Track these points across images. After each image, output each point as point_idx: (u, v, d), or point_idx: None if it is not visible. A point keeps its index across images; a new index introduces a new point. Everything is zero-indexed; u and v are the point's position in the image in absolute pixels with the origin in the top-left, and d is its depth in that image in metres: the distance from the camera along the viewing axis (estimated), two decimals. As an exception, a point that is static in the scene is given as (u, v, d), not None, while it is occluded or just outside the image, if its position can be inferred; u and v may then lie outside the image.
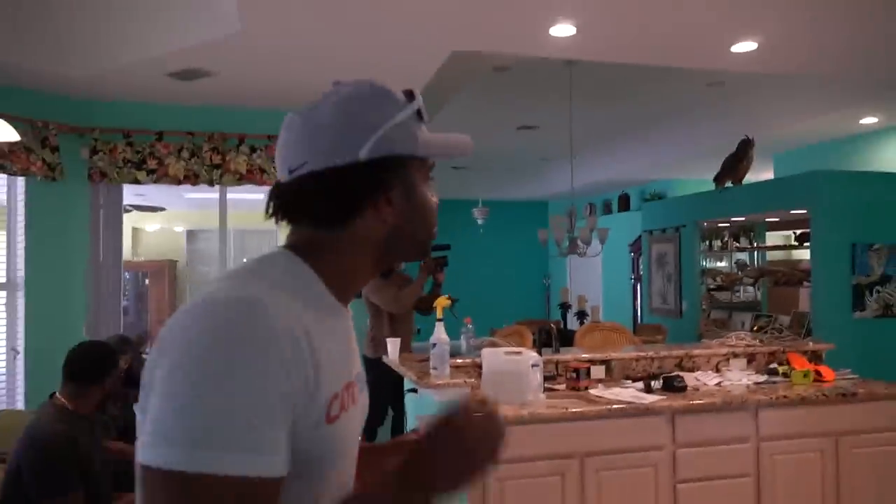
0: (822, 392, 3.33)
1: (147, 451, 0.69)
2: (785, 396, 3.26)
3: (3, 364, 4.19)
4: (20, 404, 4.14)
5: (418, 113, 0.91)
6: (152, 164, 4.43)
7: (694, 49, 3.74)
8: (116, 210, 4.53)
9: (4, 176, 4.12)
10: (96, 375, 2.43)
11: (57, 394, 2.43)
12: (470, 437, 0.84)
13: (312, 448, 0.78)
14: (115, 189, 4.50)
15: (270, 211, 0.88)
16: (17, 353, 4.18)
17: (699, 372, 3.68)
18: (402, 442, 1.16)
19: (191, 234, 10.81)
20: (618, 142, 7.33)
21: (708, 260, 7.74)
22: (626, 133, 6.95)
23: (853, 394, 3.34)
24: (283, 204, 0.87)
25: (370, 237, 0.88)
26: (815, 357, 3.87)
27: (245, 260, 0.89)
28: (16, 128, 3.34)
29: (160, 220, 9.97)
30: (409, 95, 0.91)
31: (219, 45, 3.49)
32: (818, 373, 3.60)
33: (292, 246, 0.88)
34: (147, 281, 9.98)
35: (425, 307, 4.06)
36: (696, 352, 3.80)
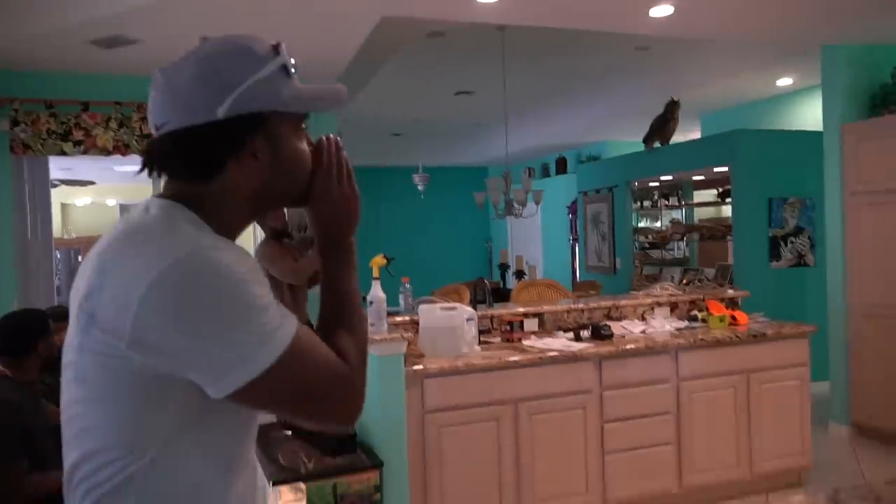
0: (736, 334, 3.60)
1: (237, 376, 0.84)
2: (702, 339, 3.51)
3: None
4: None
5: (283, 67, 0.93)
6: (79, 135, 4.33)
7: (615, 13, 3.87)
8: (43, 184, 4.42)
9: (-79, 150, 3.98)
10: (27, 344, 2.45)
11: None
12: (335, 192, 1.01)
13: None
14: (40, 162, 4.38)
15: (143, 165, 0.94)
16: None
17: (626, 321, 3.90)
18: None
19: (124, 209, 10.54)
20: (552, 105, 7.48)
21: (643, 220, 8.05)
22: (560, 96, 7.10)
23: (763, 334, 3.62)
24: (153, 160, 0.92)
25: (239, 190, 0.93)
26: (732, 304, 4.15)
27: (144, 207, 0.93)
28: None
29: (91, 194, 9.66)
30: (275, 50, 0.93)
31: (142, 11, 3.43)
32: (733, 318, 3.87)
33: (175, 197, 0.93)
34: (80, 258, 9.71)
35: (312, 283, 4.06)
36: (623, 302, 4.03)
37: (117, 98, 4.42)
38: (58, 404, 2.63)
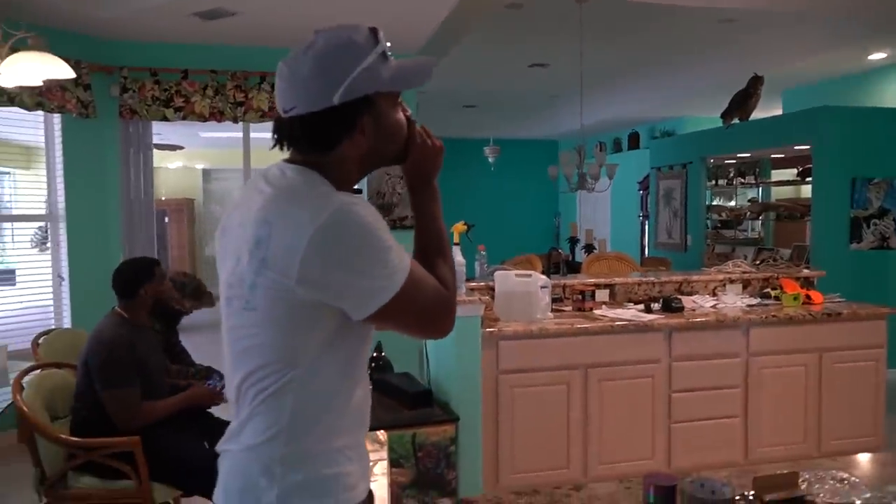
0: (809, 313, 3.60)
1: (373, 303, 1.07)
2: (774, 316, 3.53)
3: (51, 289, 4.53)
4: (67, 324, 4.49)
5: (383, 54, 1.12)
6: (179, 101, 4.64)
7: (701, -14, 3.85)
8: (147, 147, 4.77)
9: (42, 113, 4.35)
10: (134, 288, 2.73)
11: (116, 307, 2.73)
12: (431, 152, 1.26)
13: None
14: (145, 126, 4.72)
15: (275, 141, 1.16)
16: (63, 279, 4.51)
17: (697, 296, 3.94)
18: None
19: (206, 174, 11.04)
20: (628, 80, 7.40)
21: (717, 198, 7.92)
22: (637, 71, 7.02)
23: (838, 314, 3.61)
24: (283, 137, 1.15)
25: (352, 157, 1.14)
26: (807, 284, 4.12)
27: (279, 169, 1.14)
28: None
29: (181, 158, 10.17)
30: (374, 38, 1.12)
31: (243, -15, 3.65)
32: (808, 297, 3.86)
33: (303, 162, 1.14)
34: (167, 219, 10.27)
35: None
36: (695, 277, 4.06)
37: (213, 67, 4.69)
38: (168, 349, 2.93)
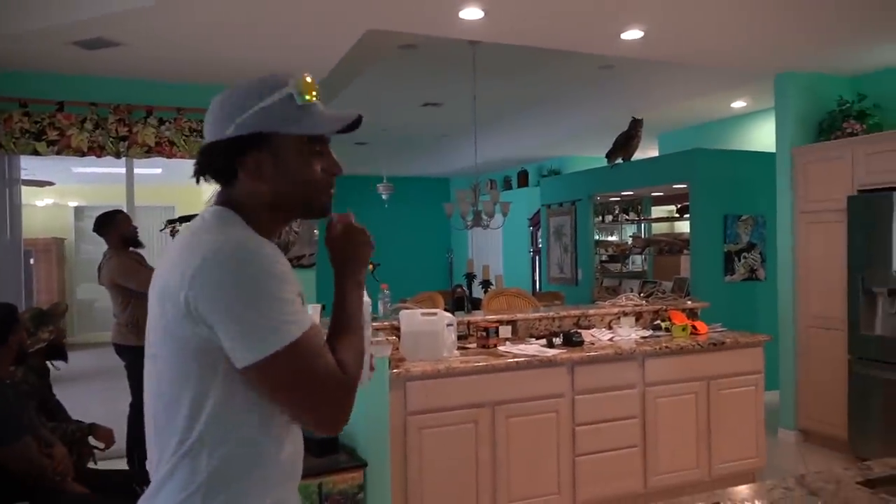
0: (697, 343, 3.81)
1: (250, 353, 1.00)
2: (667, 347, 3.71)
3: None
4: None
5: (290, 97, 1.12)
6: (53, 134, 4.29)
7: (590, 35, 4.07)
8: (14, 183, 4.37)
9: None
10: (7, 331, 2.47)
11: None
12: (349, 235, 1.24)
13: None
14: (11, 160, 4.33)
15: (195, 173, 1.18)
16: None
17: (594, 329, 4.07)
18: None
19: (79, 211, 10.30)
20: (517, 119, 7.69)
21: (601, 233, 8.31)
22: (526, 111, 7.32)
23: (721, 343, 3.85)
24: (198, 165, 1.18)
25: (255, 194, 1.13)
26: (692, 314, 4.38)
27: (201, 215, 1.16)
28: None
29: (52, 195, 9.44)
30: (283, 83, 1.13)
31: (130, 16, 3.46)
32: (694, 327, 4.09)
33: (222, 202, 1.15)
34: (32, 260, 9.45)
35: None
36: (592, 311, 4.20)
37: (94, 99, 4.39)
38: (41, 406, 2.66)
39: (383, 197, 9.67)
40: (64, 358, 3.25)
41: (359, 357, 1.14)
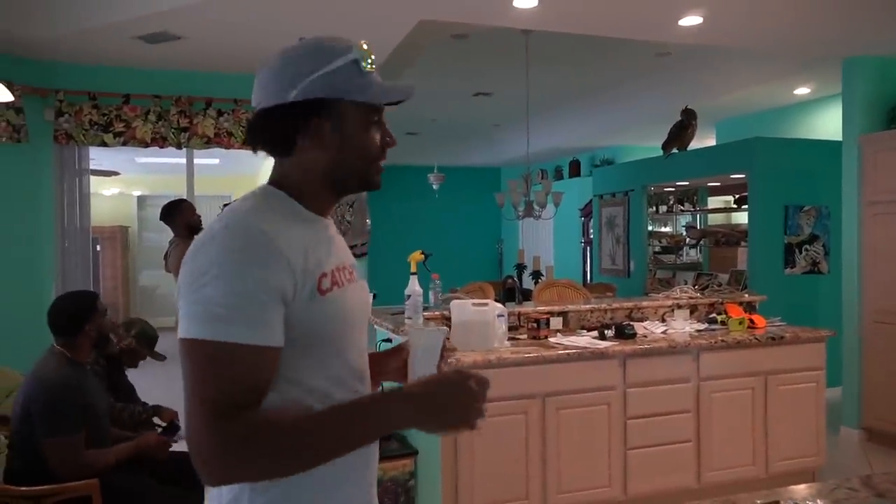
0: (755, 337, 3.71)
1: (183, 327, 0.95)
2: (723, 341, 3.62)
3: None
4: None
5: (355, 62, 1.08)
6: (119, 126, 4.46)
7: (646, 22, 3.99)
8: (84, 173, 4.56)
9: (-32, 138, 4.11)
10: (77, 326, 2.56)
11: (55, 345, 2.56)
12: (467, 394, 0.99)
13: (315, 319, 1.03)
14: (81, 151, 4.52)
15: (245, 141, 1.21)
16: (-13, 313, 4.22)
17: (647, 322, 4.01)
18: (396, 348, 1.37)
19: (141, 200, 10.66)
20: (570, 109, 7.59)
21: (655, 224, 8.15)
22: (579, 100, 7.21)
23: (781, 337, 3.73)
24: (249, 135, 1.12)
25: (312, 163, 1.09)
26: (749, 308, 4.26)
27: (247, 195, 1.12)
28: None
29: (118, 184, 9.82)
30: (348, 48, 1.09)
31: (189, 10, 3.56)
32: (752, 321, 3.98)
33: (271, 181, 1.13)
34: (98, 247, 9.85)
35: None
36: (645, 304, 4.14)
37: (157, 92, 4.54)
38: (112, 387, 2.76)
39: (434, 187, 9.69)
40: (160, 357, 3.35)
41: (285, 456, 0.93)
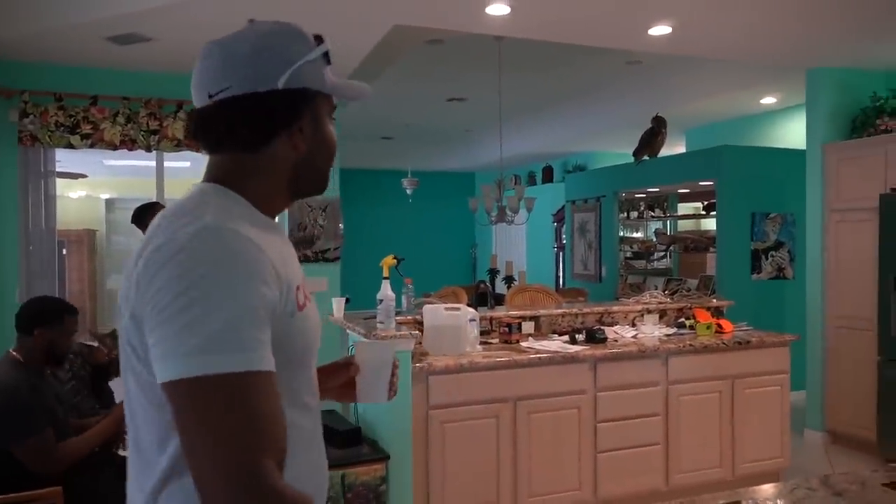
0: (722, 341, 3.78)
1: (167, 368, 0.79)
2: (691, 345, 3.68)
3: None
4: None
5: (325, 55, 1.01)
6: (87, 128, 4.39)
7: (617, 31, 4.05)
8: (49, 175, 4.48)
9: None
10: (28, 327, 2.51)
11: (11, 349, 2.52)
12: None
13: (292, 334, 0.92)
14: (47, 153, 4.43)
15: (194, 133, 0.98)
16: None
17: (617, 326, 4.06)
18: (339, 364, 1.27)
19: (109, 203, 10.49)
20: (542, 115, 7.66)
21: (626, 229, 8.26)
22: (551, 106, 7.28)
23: (747, 342, 3.81)
24: (206, 126, 0.96)
25: (283, 161, 0.97)
26: (717, 313, 4.34)
27: (186, 195, 0.96)
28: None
29: (85, 187, 9.64)
30: (319, 39, 1.01)
31: (160, 11, 3.52)
32: (719, 325, 4.05)
33: (213, 179, 0.97)
34: (65, 251, 9.65)
35: None
36: (615, 308, 4.19)
37: (126, 93, 4.48)
38: (95, 392, 2.71)
39: (408, 192, 9.71)
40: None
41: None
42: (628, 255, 7.98)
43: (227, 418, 0.77)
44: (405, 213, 11.34)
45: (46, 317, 2.55)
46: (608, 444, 3.49)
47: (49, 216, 4.48)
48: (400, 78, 5.98)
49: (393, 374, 1.25)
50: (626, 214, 7.95)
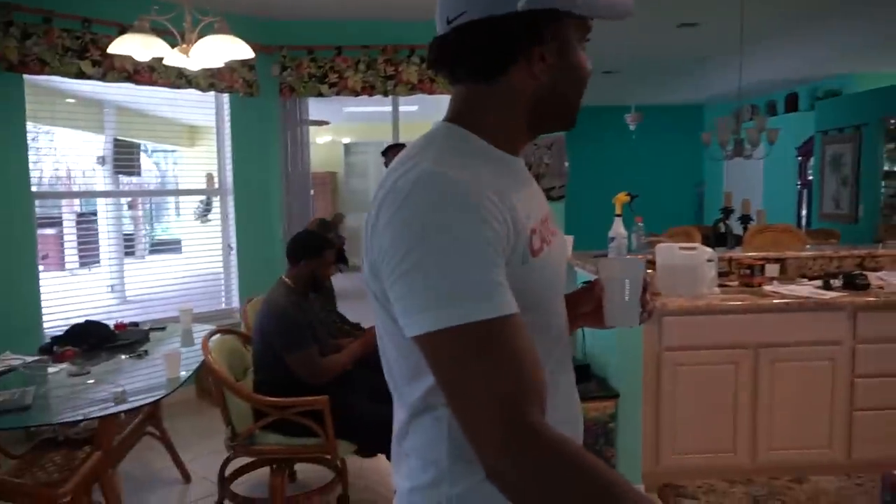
0: None
1: (412, 324, 0.78)
2: (983, 297, 3.12)
3: (220, 257, 4.90)
4: (235, 291, 4.85)
5: None
6: (333, 77, 4.79)
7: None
8: (303, 122, 4.99)
9: (208, 94, 4.66)
10: (301, 255, 2.88)
11: (283, 276, 2.90)
12: None
13: (526, 282, 0.85)
14: (301, 102, 4.93)
15: (431, 62, 0.92)
16: (232, 248, 4.85)
17: (883, 272, 3.56)
18: (584, 288, 1.16)
19: (347, 148, 11.46)
20: (790, 34, 6.77)
21: (891, 163, 7.14)
22: (800, 25, 6.40)
23: None
24: (443, 54, 0.90)
25: (522, 92, 0.89)
26: None
27: (425, 134, 0.93)
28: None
29: (329, 132, 10.65)
30: None
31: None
32: None
33: (451, 114, 0.93)
34: (311, 192, 10.76)
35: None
36: (881, 252, 3.68)
37: (364, 42, 4.80)
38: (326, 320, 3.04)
39: (631, 128, 9.29)
40: (345, 262, 3.69)
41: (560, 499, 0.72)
42: (893, 192, 6.91)
43: (476, 368, 0.75)
44: (628, 150, 10.90)
45: (311, 250, 2.90)
46: (867, 402, 3.12)
47: (304, 161, 5.02)
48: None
49: (645, 292, 1.10)
50: (893, 145, 6.85)
